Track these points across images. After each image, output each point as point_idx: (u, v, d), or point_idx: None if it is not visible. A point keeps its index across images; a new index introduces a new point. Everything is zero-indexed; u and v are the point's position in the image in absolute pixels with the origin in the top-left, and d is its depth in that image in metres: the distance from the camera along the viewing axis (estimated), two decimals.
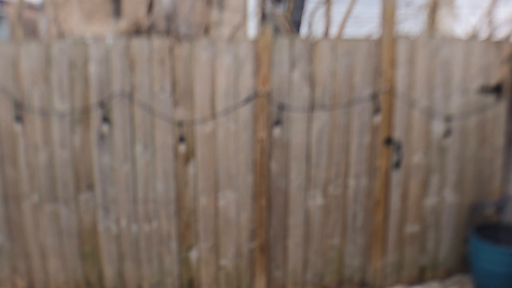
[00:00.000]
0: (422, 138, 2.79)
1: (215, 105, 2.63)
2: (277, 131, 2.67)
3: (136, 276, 2.80)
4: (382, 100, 2.69)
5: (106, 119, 2.62)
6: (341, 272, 2.87)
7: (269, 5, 3.29)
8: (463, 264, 2.97)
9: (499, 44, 2.80)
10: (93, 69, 2.57)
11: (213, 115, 2.64)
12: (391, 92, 2.68)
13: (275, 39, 2.59)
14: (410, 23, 3.59)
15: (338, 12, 3.39)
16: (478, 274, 2.73)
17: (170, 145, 2.66)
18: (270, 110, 2.64)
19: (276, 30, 2.97)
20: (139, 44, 2.57)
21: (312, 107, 2.67)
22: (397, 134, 2.75)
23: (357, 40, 2.67)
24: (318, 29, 3.32)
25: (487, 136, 2.88)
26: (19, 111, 2.62)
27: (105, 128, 2.63)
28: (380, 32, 2.66)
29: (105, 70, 2.58)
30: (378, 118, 2.71)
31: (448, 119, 2.79)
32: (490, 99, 2.84)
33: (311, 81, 2.64)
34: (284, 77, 2.63)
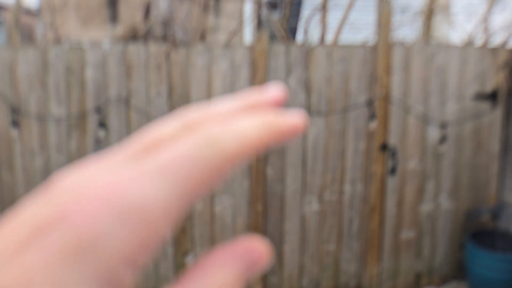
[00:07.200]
0: (417, 144, 2.80)
1: None
2: None
3: None
4: (378, 107, 2.70)
5: (102, 124, 2.62)
6: (337, 278, 2.87)
7: (265, 12, 3.31)
8: (459, 270, 2.97)
9: (494, 50, 2.82)
10: (89, 74, 2.59)
11: None
12: (386, 98, 2.69)
13: (271, 45, 2.61)
14: (406, 29, 3.61)
15: (333, 18, 3.42)
16: (474, 280, 2.73)
17: None
18: None
19: (272, 37, 2.99)
20: (136, 50, 2.58)
21: (308, 113, 2.68)
22: (393, 140, 2.75)
23: (352, 47, 2.68)
24: (314, 35, 3.34)
25: (483, 143, 2.89)
26: (16, 116, 2.63)
27: (101, 133, 2.63)
28: (376, 39, 2.67)
29: (102, 75, 2.59)
30: (373, 124, 2.72)
31: (443, 125, 2.80)
32: (485, 105, 2.85)
33: (307, 87, 2.65)
34: (280, 83, 2.64)
